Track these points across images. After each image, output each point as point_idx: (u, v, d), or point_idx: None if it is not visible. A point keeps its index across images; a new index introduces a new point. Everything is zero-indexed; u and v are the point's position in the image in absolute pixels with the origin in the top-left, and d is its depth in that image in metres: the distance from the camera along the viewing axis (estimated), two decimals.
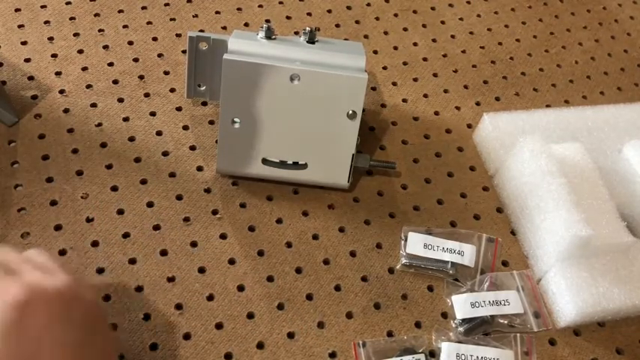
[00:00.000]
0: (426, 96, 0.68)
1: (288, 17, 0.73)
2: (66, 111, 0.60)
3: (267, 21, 0.71)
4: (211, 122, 0.62)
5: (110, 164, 0.57)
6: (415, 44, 0.73)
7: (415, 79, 0.70)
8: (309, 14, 0.74)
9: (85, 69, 0.64)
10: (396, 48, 0.72)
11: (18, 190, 0.54)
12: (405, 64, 0.71)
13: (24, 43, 0.65)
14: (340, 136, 0.54)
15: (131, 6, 0.70)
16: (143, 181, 0.57)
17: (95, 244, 0.52)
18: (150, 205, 0.55)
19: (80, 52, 0.65)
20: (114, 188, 0.56)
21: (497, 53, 0.74)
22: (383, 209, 0.58)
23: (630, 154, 0.61)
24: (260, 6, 0.73)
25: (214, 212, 0.56)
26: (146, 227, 0.54)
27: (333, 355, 0.50)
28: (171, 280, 0.51)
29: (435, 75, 0.70)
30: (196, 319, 0.50)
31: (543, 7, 0.81)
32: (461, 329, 0.51)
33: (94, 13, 0.69)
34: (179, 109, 0.62)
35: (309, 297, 0.52)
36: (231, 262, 0.53)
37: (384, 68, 0.70)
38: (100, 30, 0.67)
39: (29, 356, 0.34)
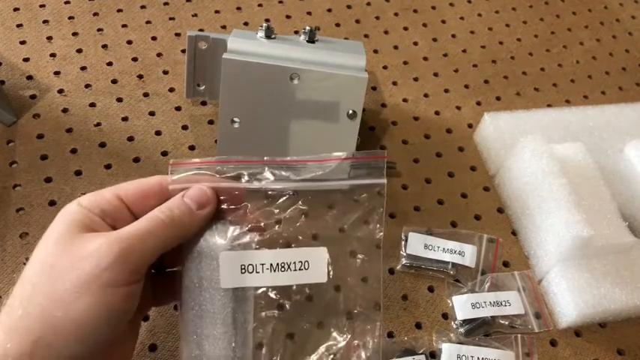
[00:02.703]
0: (426, 95, 0.68)
1: (287, 16, 0.72)
2: (65, 111, 0.60)
3: (267, 20, 0.71)
4: (211, 122, 0.61)
5: (109, 164, 0.57)
6: (416, 43, 0.73)
7: (416, 79, 0.69)
8: (309, 13, 0.73)
9: (83, 68, 0.63)
10: (396, 47, 0.72)
11: (17, 190, 0.54)
12: (405, 63, 0.71)
13: (23, 42, 0.64)
14: (340, 136, 0.54)
15: (130, 5, 0.70)
16: None
17: None
18: None
19: (79, 51, 0.65)
20: None
21: (498, 53, 0.74)
22: None
23: (632, 154, 0.61)
24: (260, 5, 0.73)
25: None
26: None
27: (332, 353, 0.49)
28: None
29: (435, 74, 0.70)
30: None
31: (544, 6, 0.81)
32: (462, 330, 0.51)
33: (92, 12, 0.68)
34: (178, 108, 0.62)
35: (309, 298, 0.52)
36: None
37: (385, 68, 0.70)
38: (99, 29, 0.67)
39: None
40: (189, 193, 0.34)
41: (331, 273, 0.35)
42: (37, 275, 0.31)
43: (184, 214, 0.33)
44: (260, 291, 0.34)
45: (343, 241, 0.37)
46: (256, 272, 0.33)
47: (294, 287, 0.35)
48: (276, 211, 0.35)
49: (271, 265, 0.34)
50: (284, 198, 0.35)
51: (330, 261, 0.35)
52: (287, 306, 0.35)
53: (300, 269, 0.34)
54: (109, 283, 0.30)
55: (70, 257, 0.31)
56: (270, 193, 0.35)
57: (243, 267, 0.33)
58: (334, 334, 0.37)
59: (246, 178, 0.35)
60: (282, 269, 0.34)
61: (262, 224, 0.35)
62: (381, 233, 0.37)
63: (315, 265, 0.34)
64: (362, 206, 0.37)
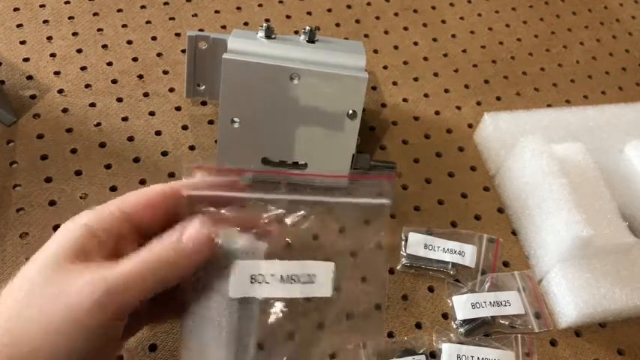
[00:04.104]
0: (426, 95, 0.68)
1: (288, 16, 0.72)
2: (65, 111, 0.60)
3: (267, 20, 0.71)
4: (211, 122, 0.61)
5: (109, 164, 0.57)
6: (416, 43, 0.73)
7: (416, 79, 0.69)
8: (309, 13, 0.73)
9: (83, 68, 0.63)
10: (396, 47, 0.72)
11: (17, 190, 0.54)
12: (405, 63, 0.71)
13: (23, 42, 0.64)
14: (340, 136, 0.54)
15: (130, 5, 0.70)
16: (142, 181, 0.56)
17: None
18: None
19: (79, 51, 0.65)
20: (113, 188, 0.55)
21: (498, 53, 0.74)
22: None
23: (632, 154, 0.61)
24: (260, 5, 0.73)
25: None
26: None
27: (332, 355, 0.49)
28: None
29: (435, 74, 0.70)
30: None
31: (544, 6, 0.81)
32: (462, 330, 0.51)
33: (92, 12, 0.68)
34: (178, 108, 0.62)
35: (310, 300, 0.52)
36: None
37: (385, 68, 0.70)
38: (99, 29, 0.67)
39: None
40: (187, 235, 0.32)
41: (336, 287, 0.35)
42: (15, 303, 0.30)
43: (180, 256, 0.32)
44: (266, 300, 0.34)
45: (348, 253, 0.37)
46: (265, 283, 0.33)
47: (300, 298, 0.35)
48: (287, 222, 0.35)
49: (281, 276, 0.34)
50: (296, 211, 0.35)
51: (335, 275, 0.35)
52: (288, 310, 0.35)
53: (307, 282, 0.34)
54: (87, 325, 0.29)
55: (51, 291, 0.30)
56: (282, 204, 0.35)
57: (253, 277, 0.33)
58: (335, 335, 0.37)
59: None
60: (291, 281, 0.34)
61: (273, 235, 0.35)
62: (384, 253, 0.37)
63: (321, 278, 0.34)
64: (368, 224, 0.37)
